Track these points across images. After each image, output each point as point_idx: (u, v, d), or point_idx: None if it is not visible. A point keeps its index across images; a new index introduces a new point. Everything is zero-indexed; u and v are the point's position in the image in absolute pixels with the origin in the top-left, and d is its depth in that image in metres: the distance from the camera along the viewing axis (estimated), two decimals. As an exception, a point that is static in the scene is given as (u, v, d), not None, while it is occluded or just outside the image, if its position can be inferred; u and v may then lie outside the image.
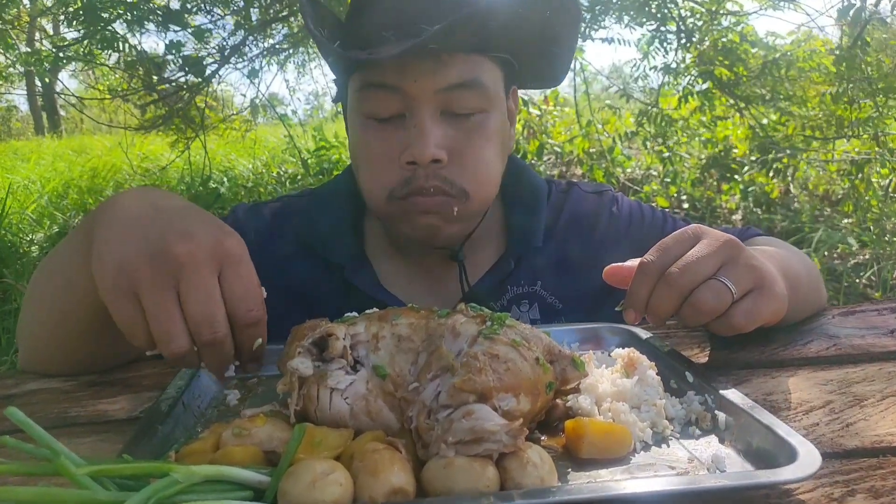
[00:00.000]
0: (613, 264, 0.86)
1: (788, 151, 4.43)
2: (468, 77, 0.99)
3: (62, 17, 4.30)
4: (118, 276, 0.70)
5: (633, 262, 0.83)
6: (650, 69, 4.75)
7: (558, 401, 0.72)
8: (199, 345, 0.70)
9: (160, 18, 3.91)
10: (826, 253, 4.39)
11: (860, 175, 4.96)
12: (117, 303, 0.70)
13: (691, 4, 4.35)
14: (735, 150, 5.78)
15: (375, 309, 0.79)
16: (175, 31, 4.08)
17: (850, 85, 3.99)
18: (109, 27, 3.87)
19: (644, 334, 0.93)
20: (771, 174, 4.98)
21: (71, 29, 4.25)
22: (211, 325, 0.69)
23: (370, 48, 0.96)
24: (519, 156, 6.22)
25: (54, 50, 4.44)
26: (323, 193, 1.23)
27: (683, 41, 4.32)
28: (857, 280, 4.18)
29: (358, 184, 1.10)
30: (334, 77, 1.15)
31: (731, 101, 4.69)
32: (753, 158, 5.34)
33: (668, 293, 0.78)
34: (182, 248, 0.69)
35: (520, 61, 1.07)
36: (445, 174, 0.99)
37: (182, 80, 4.56)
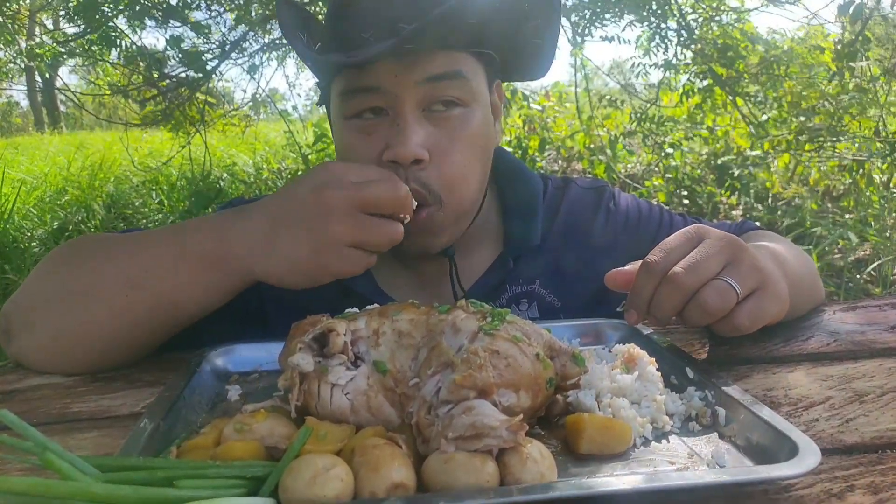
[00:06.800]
0: (613, 270, 0.85)
1: (787, 150, 4.43)
2: (449, 69, 0.98)
3: (62, 13, 4.30)
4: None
5: (634, 266, 0.83)
6: (650, 66, 4.74)
7: (558, 396, 0.72)
8: None
9: (160, 14, 3.91)
10: (826, 248, 4.39)
11: (861, 171, 4.96)
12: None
13: (692, 0, 4.34)
14: (735, 146, 5.78)
15: (376, 305, 0.79)
16: (175, 27, 4.08)
17: (850, 82, 3.98)
18: (110, 22, 3.86)
19: (645, 330, 0.93)
20: (772, 171, 4.99)
21: (71, 25, 4.24)
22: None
23: (350, 51, 0.95)
24: (520, 152, 6.19)
25: (55, 45, 4.43)
26: None
27: (684, 38, 4.31)
28: (858, 276, 4.18)
29: None
30: (317, 81, 1.14)
31: (732, 98, 4.69)
32: (755, 153, 5.33)
33: (673, 293, 0.78)
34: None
35: (502, 55, 1.06)
36: (424, 177, 0.97)
37: (182, 75, 4.56)
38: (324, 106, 1.17)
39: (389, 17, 0.95)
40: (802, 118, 4.41)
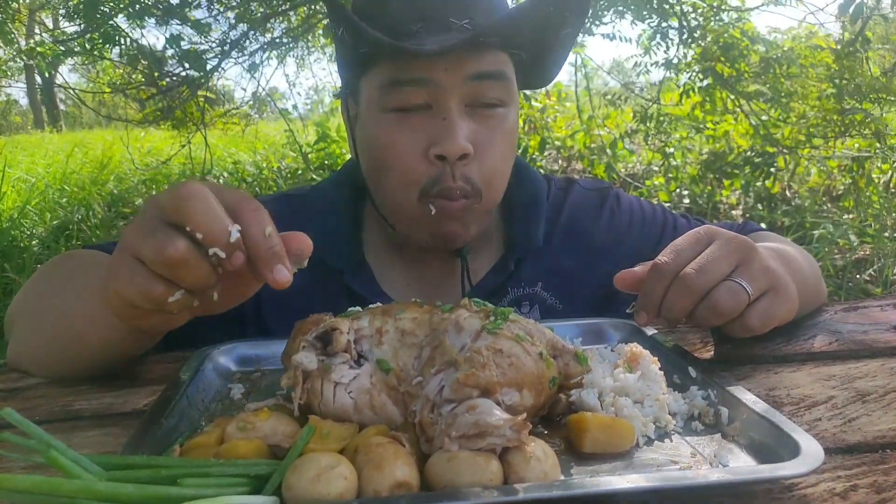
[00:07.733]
0: (623, 271, 0.85)
1: (789, 150, 4.43)
2: (495, 68, 0.99)
3: (62, 12, 4.29)
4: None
5: (644, 267, 0.83)
6: (651, 65, 4.73)
7: (561, 395, 0.72)
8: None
9: (160, 12, 3.90)
10: (827, 249, 4.39)
11: (861, 171, 4.96)
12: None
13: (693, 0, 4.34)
14: (736, 146, 5.77)
15: (379, 304, 0.79)
16: (177, 25, 4.07)
17: (851, 83, 3.98)
18: (110, 21, 3.86)
19: (648, 330, 0.93)
20: (770, 172, 4.99)
21: (71, 24, 4.24)
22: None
23: (398, 41, 0.95)
24: (520, 151, 6.19)
25: (55, 44, 4.42)
26: (318, 197, 1.21)
27: (685, 37, 4.31)
28: (858, 276, 4.18)
29: (374, 186, 1.08)
30: (341, 73, 1.13)
31: (732, 97, 4.68)
32: (754, 155, 5.33)
33: (684, 294, 0.78)
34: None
35: (528, 60, 1.07)
36: (468, 172, 0.98)
37: (183, 74, 4.55)
38: (337, 101, 1.17)
39: (439, 10, 0.96)
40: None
